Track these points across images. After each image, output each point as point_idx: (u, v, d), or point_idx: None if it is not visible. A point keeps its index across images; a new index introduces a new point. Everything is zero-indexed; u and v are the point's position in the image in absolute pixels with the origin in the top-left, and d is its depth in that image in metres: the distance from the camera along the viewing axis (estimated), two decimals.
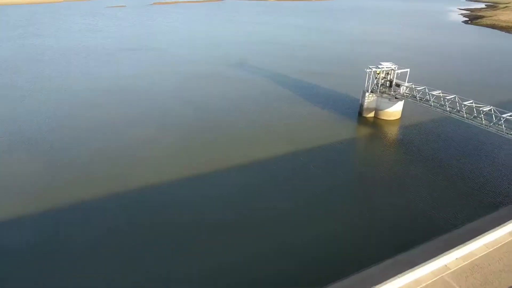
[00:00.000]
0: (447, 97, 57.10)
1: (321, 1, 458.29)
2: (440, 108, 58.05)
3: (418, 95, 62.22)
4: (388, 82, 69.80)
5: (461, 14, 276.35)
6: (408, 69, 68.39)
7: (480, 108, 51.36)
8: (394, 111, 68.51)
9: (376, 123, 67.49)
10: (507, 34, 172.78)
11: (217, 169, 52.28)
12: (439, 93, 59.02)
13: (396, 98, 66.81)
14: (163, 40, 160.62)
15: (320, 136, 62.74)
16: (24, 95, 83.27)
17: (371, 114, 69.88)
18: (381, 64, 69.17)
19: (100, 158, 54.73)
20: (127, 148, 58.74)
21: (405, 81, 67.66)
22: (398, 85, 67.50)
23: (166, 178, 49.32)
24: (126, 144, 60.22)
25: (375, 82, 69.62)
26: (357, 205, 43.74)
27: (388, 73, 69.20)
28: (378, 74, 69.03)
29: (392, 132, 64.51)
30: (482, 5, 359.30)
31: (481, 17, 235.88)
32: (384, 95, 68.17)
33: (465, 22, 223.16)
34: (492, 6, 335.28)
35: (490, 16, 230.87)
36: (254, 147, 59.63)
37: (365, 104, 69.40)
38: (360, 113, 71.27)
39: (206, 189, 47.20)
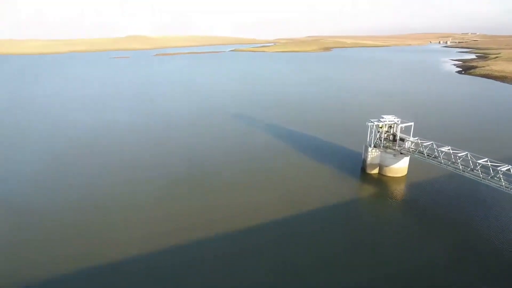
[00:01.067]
0: (459, 154, 52.31)
1: (317, 52, 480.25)
2: (451, 166, 53.03)
3: (425, 151, 57.81)
4: (391, 135, 65.95)
5: (454, 64, 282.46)
6: (412, 123, 64.58)
7: (498, 168, 46.02)
8: (400, 167, 63.70)
9: (381, 181, 62.15)
10: (502, 84, 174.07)
11: (202, 234, 46.22)
12: (449, 149, 54.37)
13: (401, 153, 62.35)
14: (156, 89, 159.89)
15: (320, 195, 57.10)
16: None
17: (375, 171, 64.98)
18: (383, 118, 65.47)
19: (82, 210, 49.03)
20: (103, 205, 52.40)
21: (409, 135, 63.76)
22: (402, 140, 63.52)
23: (150, 244, 43.24)
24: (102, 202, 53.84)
25: (377, 136, 65.79)
26: (359, 276, 37.74)
27: (391, 127, 65.48)
28: (381, 128, 65.26)
29: (399, 191, 58.96)
30: (473, 56, 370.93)
31: (474, 67, 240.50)
32: (389, 150, 63.70)
33: (459, 72, 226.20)
34: (483, 57, 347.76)
35: (483, 66, 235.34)
36: (246, 208, 53.45)
37: (368, 159, 64.78)
38: (363, 169, 66.54)
39: (187, 257, 41.42)
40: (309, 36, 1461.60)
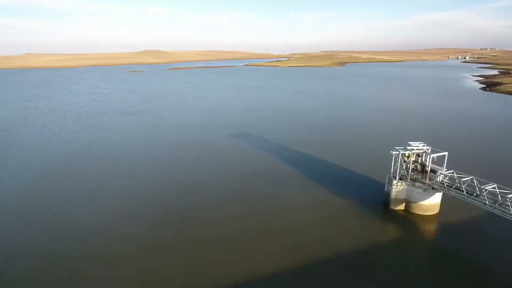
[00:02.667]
0: (508, 196, 41.78)
1: (331, 67, 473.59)
2: (498, 209, 42.61)
3: (464, 187, 47.20)
4: (419, 166, 56.18)
5: (477, 80, 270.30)
6: (446, 153, 54.19)
7: None
8: (431, 204, 53.35)
9: (408, 219, 51.87)
10: None
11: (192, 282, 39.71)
12: (494, 187, 44.45)
13: (433, 188, 52.01)
14: (165, 104, 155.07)
15: (334, 236, 47.17)
16: None
17: (401, 207, 54.73)
18: (409, 145, 55.54)
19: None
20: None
21: (442, 166, 53.62)
22: (434, 172, 53.50)
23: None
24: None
25: (404, 167, 55.32)
26: None
27: (419, 155, 55.66)
28: (408, 157, 55.27)
29: (429, 232, 48.62)
30: (495, 72, 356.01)
31: (499, 83, 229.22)
32: (417, 184, 53.54)
33: (483, 89, 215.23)
34: (506, 73, 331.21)
35: (509, 83, 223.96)
36: (245, 252, 43.79)
37: (393, 193, 54.64)
38: (386, 204, 56.25)
39: None
40: (323, 51, 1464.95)
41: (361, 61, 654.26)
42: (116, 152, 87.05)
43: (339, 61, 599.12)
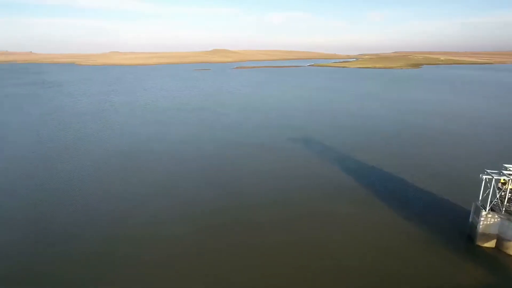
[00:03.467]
0: None
1: (404, 69, 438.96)
2: None
3: None
4: None
5: None
6: None
7: None
8: None
9: (500, 262, 40.97)
10: None
11: None
12: None
13: None
14: (227, 102, 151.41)
15: (397, 272, 37.72)
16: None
17: (491, 244, 43.84)
18: (506, 168, 44.63)
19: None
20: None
21: None
22: None
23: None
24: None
25: (497, 195, 44.56)
26: None
27: None
28: (504, 184, 44.25)
29: None
30: None
31: None
32: None
33: None
34: None
35: None
36: (274, 269, 40.26)
37: (481, 227, 43.96)
38: (471, 239, 45.59)
39: None
40: (395, 52, 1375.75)
41: (440, 63, 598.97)
42: (171, 148, 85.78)
43: (413, 63, 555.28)
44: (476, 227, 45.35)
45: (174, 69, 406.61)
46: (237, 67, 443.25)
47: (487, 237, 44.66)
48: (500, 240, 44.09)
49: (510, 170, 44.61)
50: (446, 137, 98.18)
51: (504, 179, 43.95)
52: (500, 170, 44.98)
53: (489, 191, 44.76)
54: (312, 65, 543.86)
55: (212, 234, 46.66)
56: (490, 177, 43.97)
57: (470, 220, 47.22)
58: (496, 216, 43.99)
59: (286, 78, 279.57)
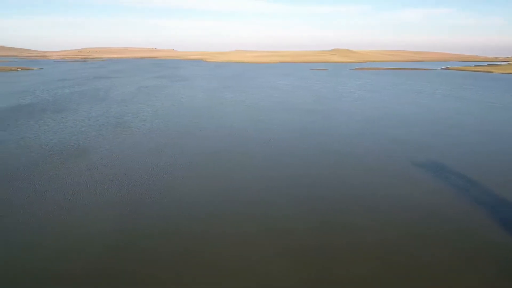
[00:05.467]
0: None
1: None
2: None
3: None
4: None
5: None
6: None
7: None
8: None
9: None
10: None
11: None
12: None
13: None
14: (339, 107, 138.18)
15: None
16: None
17: None
18: None
19: None
20: None
21: None
22: None
23: None
24: None
25: None
26: None
27: None
28: None
29: None
30: None
31: None
32: None
33: None
34: None
35: None
36: None
37: None
38: None
39: None
40: None
41: None
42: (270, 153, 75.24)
43: None
44: None
45: (291, 68, 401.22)
46: (356, 68, 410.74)
47: None
48: None
49: None
50: None
51: None
52: None
53: None
54: (446, 68, 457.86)
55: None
56: None
57: None
58: None
59: (413, 82, 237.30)
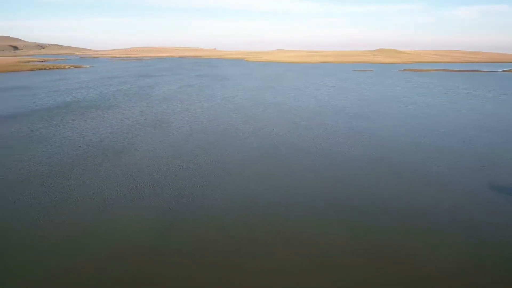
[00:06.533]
0: None
1: None
2: None
3: None
4: None
5: None
6: None
7: None
8: None
9: None
10: None
11: None
12: None
13: None
14: (387, 111, 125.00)
15: None
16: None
17: None
18: None
19: None
20: None
21: None
22: None
23: None
24: None
25: None
26: None
27: None
28: None
29: None
30: None
31: None
32: None
33: None
34: None
35: None
36: None
37: None
38: None
39: None
40: None
41: None
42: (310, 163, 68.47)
43: None
44: None
45: (334, 68, 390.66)
46: (405, 69, 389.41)
47: None
48: None
49: None
50: None
51: None
52: None
53: None
54: (509, 71, 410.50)
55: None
56: None
57: None
58: None
59: (470, 86, 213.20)
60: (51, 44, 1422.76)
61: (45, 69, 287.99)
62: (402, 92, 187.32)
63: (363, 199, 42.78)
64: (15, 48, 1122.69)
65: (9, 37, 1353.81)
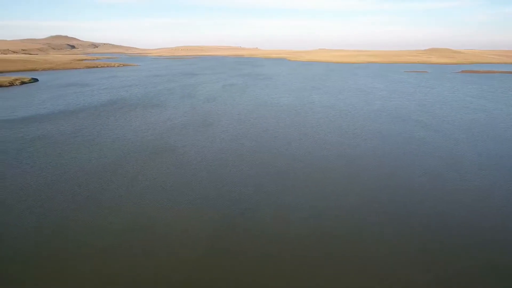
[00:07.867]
0: None
1: None
2: None
3: None
4: None
5: None
6: None
7: None
8: None
9: None
10: None
11: None
12: None
13: None
14: (446, 118, 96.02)
15: None
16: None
17: None
18: None
19: None
20: None
21: None
22: None
23: None
24: None
25: None
26: None
27: None
28: None
29: None
30: None
31: None
32: None
33: None
34: None
35: None
36: None
37: None
38: None
39: None
40: None
41: None
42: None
43: None
44: None
45: (382, 69, 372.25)
46: (463, 71, 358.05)
47: None
48: None
49: None
50: None
51: None
52: None
53: None
54: None
55: None
56: None
57: None
58: None
59: None
60: (104, 43, 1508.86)
61: (96, 67, 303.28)
62: (466, 96, 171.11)
63: (431, 216, 35.92)
64: (72, 46, 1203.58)
65: (66, 36, 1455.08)
